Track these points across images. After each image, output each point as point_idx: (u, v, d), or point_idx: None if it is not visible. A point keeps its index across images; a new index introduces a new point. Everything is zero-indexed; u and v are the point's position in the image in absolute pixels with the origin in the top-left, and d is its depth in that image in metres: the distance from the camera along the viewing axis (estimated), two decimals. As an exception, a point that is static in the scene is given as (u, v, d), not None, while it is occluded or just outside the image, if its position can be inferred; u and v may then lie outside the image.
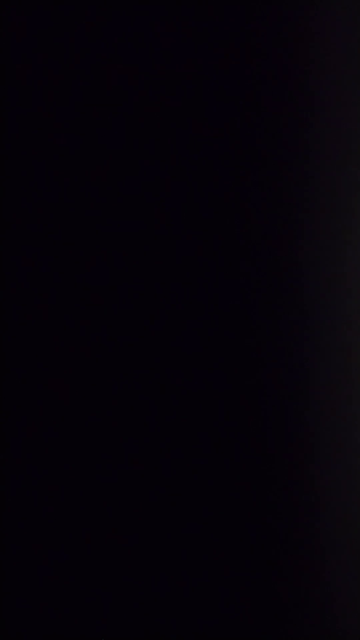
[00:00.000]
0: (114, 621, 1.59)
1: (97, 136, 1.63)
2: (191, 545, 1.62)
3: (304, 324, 1.68)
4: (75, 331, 1.61)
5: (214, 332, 1.65)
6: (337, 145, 1.70)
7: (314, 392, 1.68)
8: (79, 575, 1.59)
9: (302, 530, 1.67)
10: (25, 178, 1.61)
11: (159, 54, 1.64)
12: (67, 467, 1.60)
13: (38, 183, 1.61)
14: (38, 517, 1.58)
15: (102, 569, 1.60)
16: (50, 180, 1.61)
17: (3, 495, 1.58)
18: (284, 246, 1.68)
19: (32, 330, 1.60)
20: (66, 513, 1.59)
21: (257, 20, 1.67)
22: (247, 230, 1.67)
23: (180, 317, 1.64)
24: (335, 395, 1.69)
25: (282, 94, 1.68)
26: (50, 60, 1.62)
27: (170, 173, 1.65)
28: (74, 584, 1.59)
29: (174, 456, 1.62)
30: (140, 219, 1.63)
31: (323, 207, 1.69)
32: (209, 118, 1.66)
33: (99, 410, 1.61)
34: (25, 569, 1.58)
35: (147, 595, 1.61)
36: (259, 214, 1.67)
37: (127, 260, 1.63)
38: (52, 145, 1.61)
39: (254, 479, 1.65)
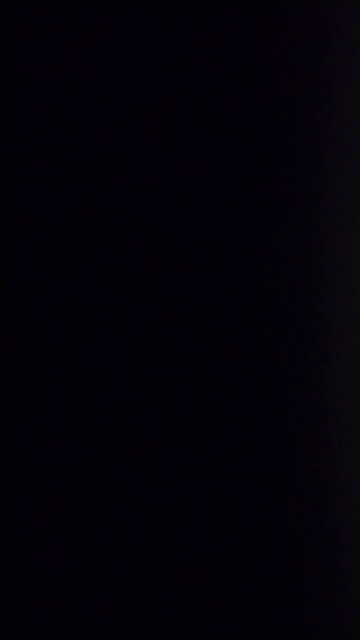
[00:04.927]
0: (114, 621, 1.60)
1: (100, 137, 1.63)
2: (192, 544, 1.62)
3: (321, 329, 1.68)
4: (87, 330, 1.61)
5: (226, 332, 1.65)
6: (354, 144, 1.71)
7: (328, 394, 1.68)
8: (79, 575, 1.59)
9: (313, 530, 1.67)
10: (25, 179, 1.61)
11: (169, 55, 1.64)
12: (67, 465, 1.60)
13: (38, 184, 1.61)
14: (38, 517, 1.59)
15: (102, 568, 1.60)
16: (50, 182, 1.62)
17: (3, 495, 1.58)
18: (301, 245, 1.68)
19: (32, 330, 1.60)
20: (66, 512, 1.59)
21: (266, 23, 1.67)
22: (262, 231, 1.67)
23: (187, 320, 1.64)
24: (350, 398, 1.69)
25: (299, 91, 1.68)
26: (50, 61, 1.62)
27: (176, 174, 1.65)
28: (74, 583, 1.59)
29: (178, 456, 1.63)
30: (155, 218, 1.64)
31: (341, 206, 1.70)
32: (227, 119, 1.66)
33: (110, 408, 1.61)
34: (25, 569, 1.58)
35: (148, 595, 1.61)
36: (272, 214, 1.67)
37: (137, 263, 1.63)
38: (52, 148, 1.62)
39: (257, 479, 1.65)
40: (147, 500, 1.62)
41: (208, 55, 1.66)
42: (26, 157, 1.61)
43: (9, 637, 1.56)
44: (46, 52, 1.62)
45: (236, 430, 1.65)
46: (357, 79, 1.71)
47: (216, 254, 1.66)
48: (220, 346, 1.65)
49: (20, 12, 1.61)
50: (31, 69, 1.61)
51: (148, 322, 1.63)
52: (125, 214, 1.63)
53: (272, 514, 1.66)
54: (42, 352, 1.60)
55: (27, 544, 1.58)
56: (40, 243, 1.61)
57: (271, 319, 1.67)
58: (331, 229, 1.70)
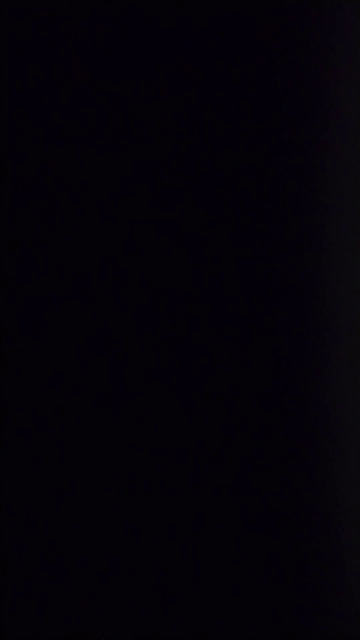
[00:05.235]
0: (114, 621, 1.60)
1: (100, 135, 1.63)
2: (192, 544, 1.62)
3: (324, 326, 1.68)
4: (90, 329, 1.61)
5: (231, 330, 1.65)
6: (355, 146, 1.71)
7: (332, 390, 1.68)
8: (79, 575, 1.59)
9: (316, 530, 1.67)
10: (25, 179, 1.61)
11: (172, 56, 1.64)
12: (67, 465, 1.60)
13: (38, 184, 1.61)
14: (38, 517, 1.59)
15: (102, 568, 1.60)
16: (50, 182, 1.62)
17: (3, 495, 1.58)
18: (305, 243, 1.68)
19: (32, 331, 1.60)
20: (66, 512, 1.59)
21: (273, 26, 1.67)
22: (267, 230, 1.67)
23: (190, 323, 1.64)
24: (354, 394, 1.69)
25: (306, 90, 1.68)
26: (50, 61, 1.62)
27: (177, 175, 1.65)
28: (74, 583, 1.59)
29: (178, 453, 1.63)
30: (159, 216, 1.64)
31: (344, 204, 1.70)
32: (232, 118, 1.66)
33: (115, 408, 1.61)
34: (26, 569, 1.58)
35: (148, 595, 1.61)
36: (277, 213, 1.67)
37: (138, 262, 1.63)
38: (52, 148, 1.62)
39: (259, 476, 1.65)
40: (147, 500, 1.62)
41: (208, 55, 1.66)
42: (26, 158, 1.61)
43: (9, 637, 1.56)
44: (46, 52, 1.62)
45: (236, 428, 1.65)
46: (358, 78, 1.71)
47: (217, 253, 1.66)
48: (220, 345, 1.65)
49: (20, 12, 1.61)
50: (31, 69, 1.61)
51: (147, 317, 1.63)
52: (126, 215, 1.64)
53: (272, 514, 1.66)
54: (42, 352, 1.60)
55: (27, 544, 1.58)
56: (40, 243, 1.61)
57: (271, 316, 1.67)
58: (332, 228, 1.70)
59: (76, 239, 1.62)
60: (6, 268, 1.60)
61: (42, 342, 1.60)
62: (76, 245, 1.62)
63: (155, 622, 1.61)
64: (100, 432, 1.61)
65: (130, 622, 1.60)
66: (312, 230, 1.69)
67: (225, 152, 1.66)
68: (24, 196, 1.61)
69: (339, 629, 1.67)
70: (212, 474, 1.64)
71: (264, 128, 1.68)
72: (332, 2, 1.70)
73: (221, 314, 1.65)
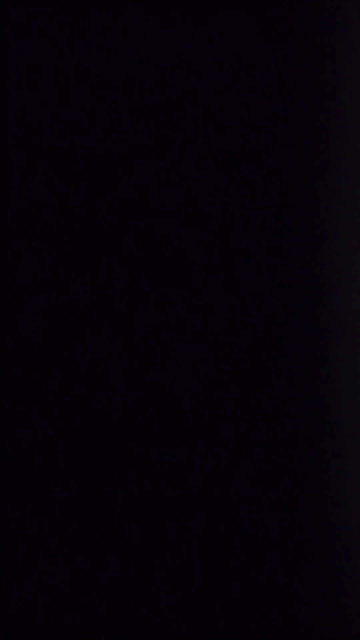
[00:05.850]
0: (114, 621, 1.60)
1: (101, 135, 1.63)
2: (192, 543, 1.62)
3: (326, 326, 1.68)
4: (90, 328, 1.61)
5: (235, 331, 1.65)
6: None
7: (335, 392, 1.68)
8: (79, 575, 1.59)
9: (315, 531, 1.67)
10: (25, 179, 1.61)
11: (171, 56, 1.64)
12: (67, 465, 1.60)
13: (38, 184, 1.61)
14: (38, 517, 1.59)
15: (102, 568, 1.60)
16: (50, 182, 1.62)
17: (3, 496, 1.58)
18: (307, 243, 1.68)
19: (32, 331, 1.60)
20: (66, 512, 1.59)
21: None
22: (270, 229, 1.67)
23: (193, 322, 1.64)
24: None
25: (309, 90, 1.69)
26: (50, 62, 1.62)
27: (177, 176, 1.65)
28: (74, 583, 1.59)
29: (178, 452, 1.63)
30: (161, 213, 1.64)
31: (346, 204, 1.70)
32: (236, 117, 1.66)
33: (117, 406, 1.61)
34: (26, 569, 1.58)
35: (148, 595, 1.61)
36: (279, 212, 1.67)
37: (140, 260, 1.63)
38: (52, 148, 1.62)
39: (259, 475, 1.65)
40: (148, 500, 1.62)
41: (208, 54, 1.66)
42: (27, 158, 1.61)
43: (9, 637, 1.56)
44: (46, 52, 1.62)
45: (236, 428, 1.65)
46: (358, 78, 1.71)
47: (217, 253, 1.66)
48: (220, 345, 1.65)
49: (20, 12, 1.61)
50: (31, 69, 1.61)
51: (148, 317, 1.63)
52: (126, 215, 1.64)
53: (272, 513, 1.66)
54: (42, 352, 1.60)
55: (27, 544, 1.58)
56: (40, 244, 1.61)
57: (271, 316, 1.67)
58: (332, 228, 1.70)
59: (76, 239, 1.62)
60: (6, 268, 1.60)
61: (42, 342, 1.60)
62: (76, 245, 1.62)
63: (155, 622, 1.61)
64: (100, 432, 1.61)
65: (130, 622, 1.60)
66: (313, 230, 1.69)
67: (226, 152, 1.66)
68: (24, 196, 1.61)
69: (339, 629, 1.67)
70: (212, 473, 1.64)
71: (264, 127, 1.68)
72: (332, 2, 1.70)
73: (221, 314, 1.65)
